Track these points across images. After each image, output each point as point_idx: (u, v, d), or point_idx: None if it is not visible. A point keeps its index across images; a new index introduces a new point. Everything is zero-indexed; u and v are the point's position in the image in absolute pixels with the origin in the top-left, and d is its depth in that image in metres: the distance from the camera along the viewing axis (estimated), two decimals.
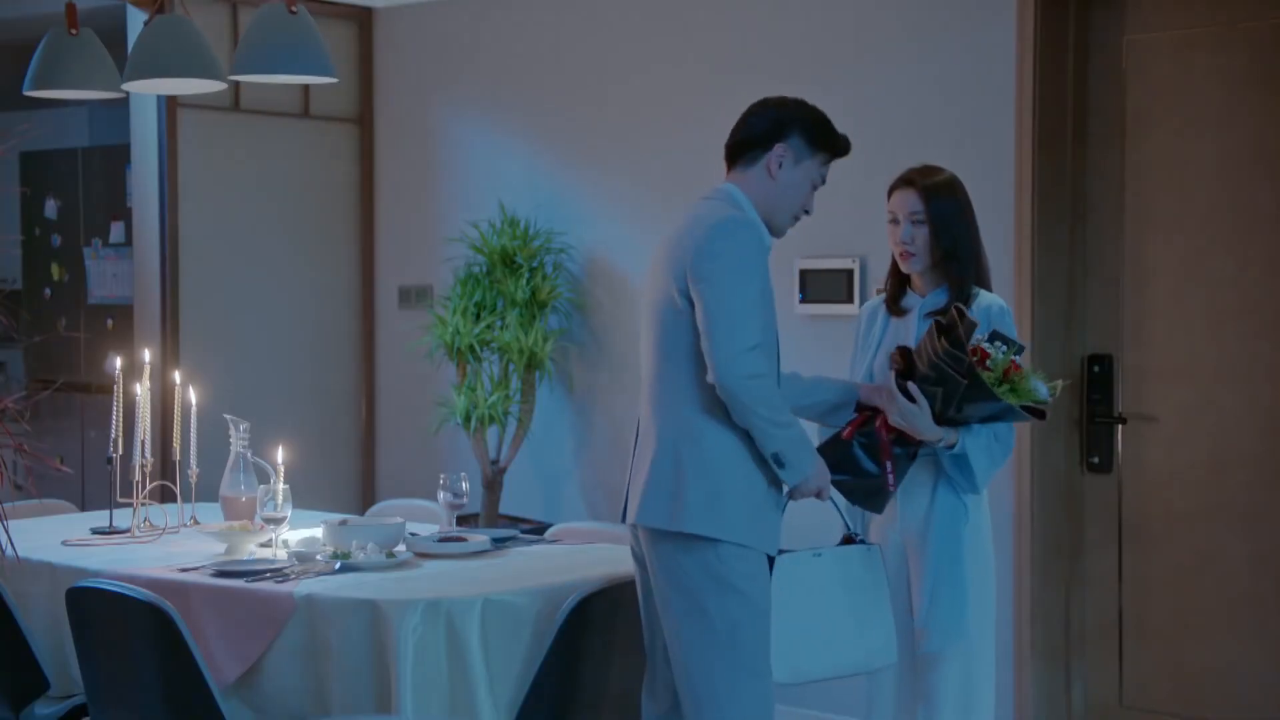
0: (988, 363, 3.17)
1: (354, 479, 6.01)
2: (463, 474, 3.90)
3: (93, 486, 5.87)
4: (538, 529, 4.37)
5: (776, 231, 3.25)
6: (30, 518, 4.19)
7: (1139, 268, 4.42)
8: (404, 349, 5.76)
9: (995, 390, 3.16)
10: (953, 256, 3.37)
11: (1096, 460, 4.47)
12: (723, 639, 3.07)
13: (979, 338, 3.20)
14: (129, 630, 3.25)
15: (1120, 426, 4.44)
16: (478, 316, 5.28)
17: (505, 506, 5.37)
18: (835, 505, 3.27)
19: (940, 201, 3.39)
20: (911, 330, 3.43)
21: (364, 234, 6.02)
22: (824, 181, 3.26)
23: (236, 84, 5.33)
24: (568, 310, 5.40)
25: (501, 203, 5.43)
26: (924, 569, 3.35)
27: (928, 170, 3.46)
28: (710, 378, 3.04)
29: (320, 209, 5.94)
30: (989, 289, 3.44)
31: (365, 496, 5.93)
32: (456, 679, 3.15)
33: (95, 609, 3.32)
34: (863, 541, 3.29)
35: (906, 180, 3.44)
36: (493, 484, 5.31)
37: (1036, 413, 3.22)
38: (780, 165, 3.20)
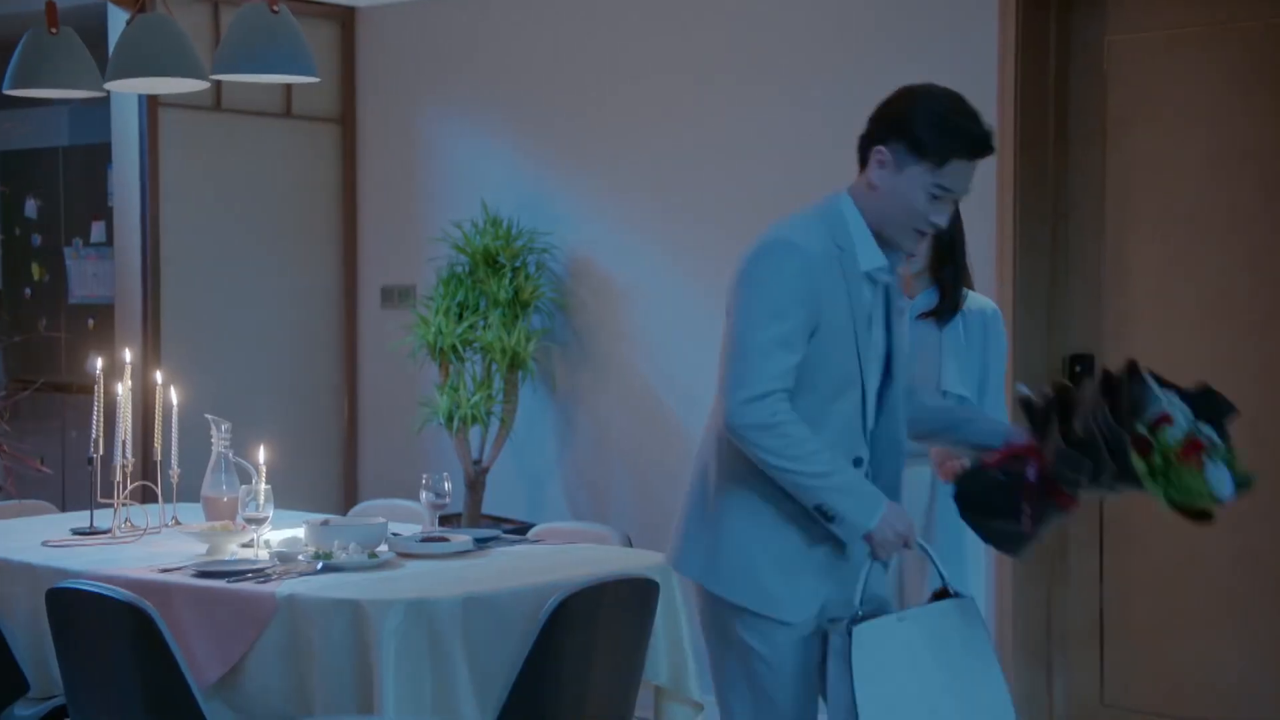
0: (1153, 446, 2.66)
1: (336, 479, 6.00)
2: (445, 474, 3.89)
3: (73, 487, 5.84)
4: (520, 529, 4.37)
5: (898, 247, 2.77)
6: (10, 518, 4.18)
7: (1121, 267, 4.44)
8: (386, 349, 5.75)
9: (1147, 483, 2.68)
10: (948, 258, 3.36)
11: None
12: (737, 690, 2.81)
13: (1156, 414, 2.68)
14: (109, 631, 3.24)
15: None
16: (460, 316, 5.27)
17: (488, 506, 5.37)
18: (927, 554, 2.87)
19: None
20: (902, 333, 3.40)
21: (346, 234, 6.01)
22: (953, 191, 2.72)
23: (218, 83, 5.30)
24: (550, 310, 5.39)
25: (484, 202, 5.42)
26: (928, 568, 3.34)
27: None
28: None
29: (302, 209, 5.92)
30: (972, 288, 3.44)
31: (347, 497, 5.92)
32: (439, 679, 3.14)
33: (76, 610, 3.30)
34: (957, 593, 2.84)
35: None
36: (475, 484, 5.30)
37: (1197, 514, 2.72)
38: (880, 171, 2.73)
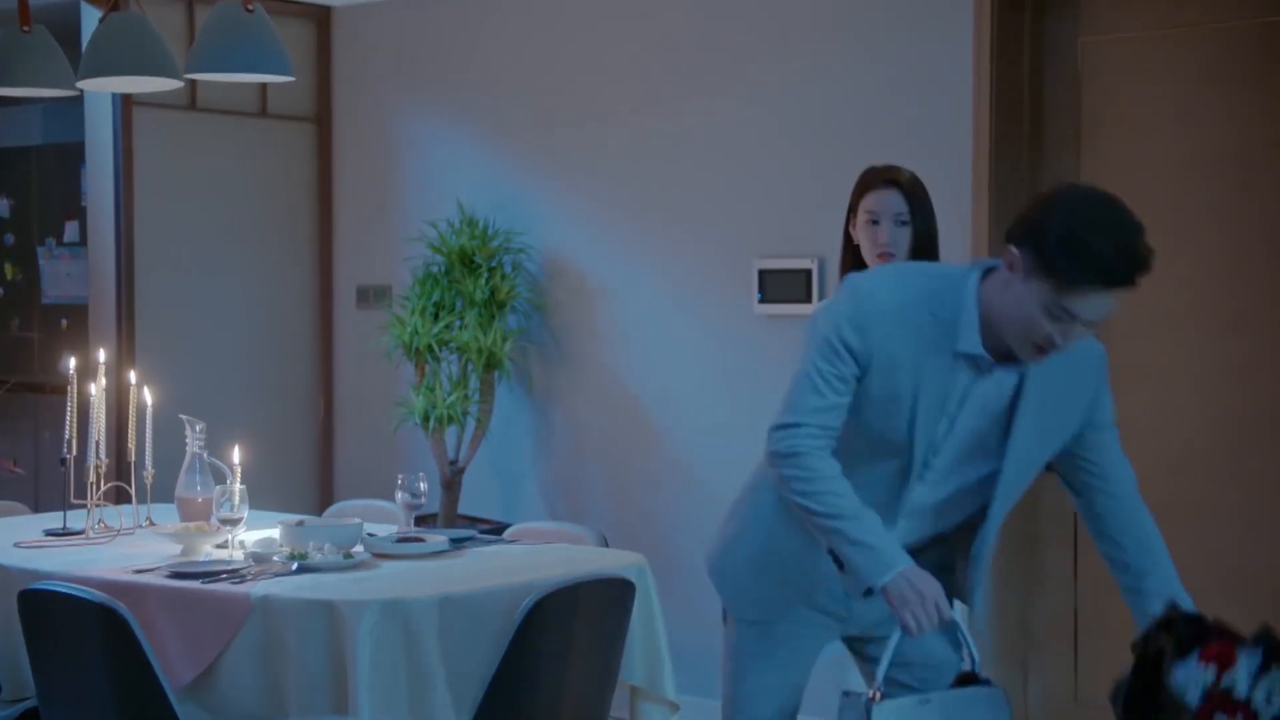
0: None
1: (311, 479, 5.98)
2: (421, 474, 3.88)
3: (46, 488, 5.81)
4: (496, 529, 4.37)
5: (1015, 351, 2.50)
6: None
7: None
8: (362, 349, 5.73)
9: None
10: (924, 257, 3.34)
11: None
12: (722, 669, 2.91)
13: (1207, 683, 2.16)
14: (82, 633, 3.23)
15: None
16: (436, 316, 5.26)
17: (464, 507, 5.36)
18: (960, 633, 2.70)
19: (922, 201, 3.35)
20: None
21: (322, 233, 5.99)
22: (1079, 318, 2.42)
23: (193, 82, 5.29)
24: (527, 310, 5.39)
25: (460, 202, 5.42)
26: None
27: (900, 169, 3.41)
28: None
29: (278, 208, 5.90)
30: None
31: (323, 497, 5.90)
32: (414, 679, 3.14)
33: (48, 611, 3.29)
34: (986, 681, 2.67)
35: (888, 180, 3.36)
36: (451, 484, 5.29)
37: None
38: (1008, 273, 2.46)
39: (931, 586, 2.49)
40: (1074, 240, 2.36)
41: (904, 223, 3.32)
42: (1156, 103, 4.34)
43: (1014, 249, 2.44)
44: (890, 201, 3.32)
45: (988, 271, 2.53)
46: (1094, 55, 4.44)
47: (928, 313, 2.52)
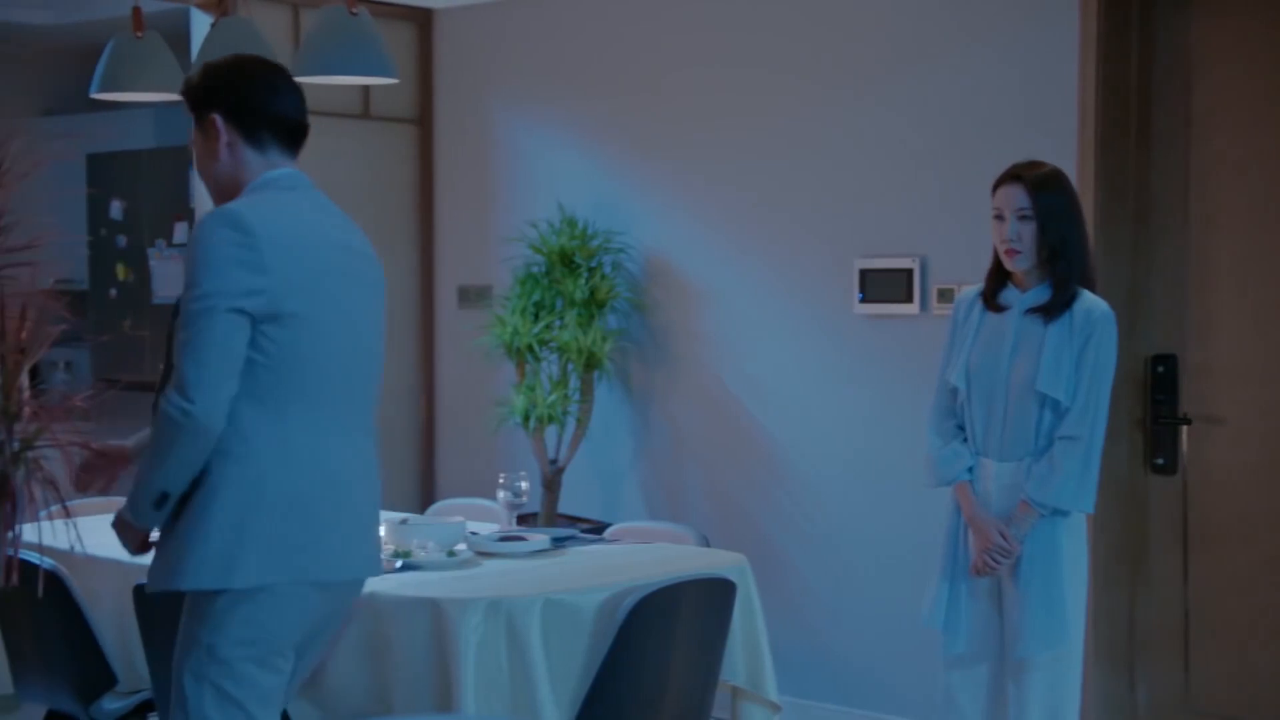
0: None
1: (414, 478, 6.04)
2: (522, 473, 3.92)
3: None
4: (596, 528, 4.38)
5: None
6: (98, 515, 4.23)
7: (1203, 266, 4.37)
8: (463, 348, 5.78)
9: None
10: (1059, 254, 3.31)
11: (1161, 462, 4.42)
12: None
13: None
14: None
15: (1185, 427, 4.39)
16: (536, 316, 5.29)
17: (564, 506, 5.38)
18: None
19: (1048, 196, 3.32)
20: (1009, 327, 3.35)
21: (423, 234, 6.05)
22: None
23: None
24: (626, 310, 5.40)
25: (560, 203, 5.44)
26: (1019, 570, 3.30)
27: (1034, 164, 3.39)
28: None
29: (380, 209, 5.97)
30: (1094, 289, 3.37)
31: (425, 495, 5.96)
32: (517, 678, 3.16)
33: (161, 605, 3.34)
34: None
35: (1013, 175, 3.35)
36: (551, 483, 5.32)
37: None
38: None
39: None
40: None
41: (1026, 217, 3.30)
42: (1268, 97, 4.24)
43: None
44: (1013, 196, 3.32)
45: None
46: (1205, 48, 4.35)
47: None
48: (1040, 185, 3.32)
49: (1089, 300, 3.32)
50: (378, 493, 2.84)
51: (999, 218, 3.33)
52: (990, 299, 3.39)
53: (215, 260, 2.58)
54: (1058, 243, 3.30)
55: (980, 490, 3.38)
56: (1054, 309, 3.31)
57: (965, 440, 3.41)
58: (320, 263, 2.70)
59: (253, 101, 2.76)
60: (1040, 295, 3.33)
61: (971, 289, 3.47)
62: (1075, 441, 3.27)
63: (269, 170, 2.75)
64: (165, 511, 2.67)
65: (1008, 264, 3.34)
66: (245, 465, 2.61)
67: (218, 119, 2.75)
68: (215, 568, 2.59)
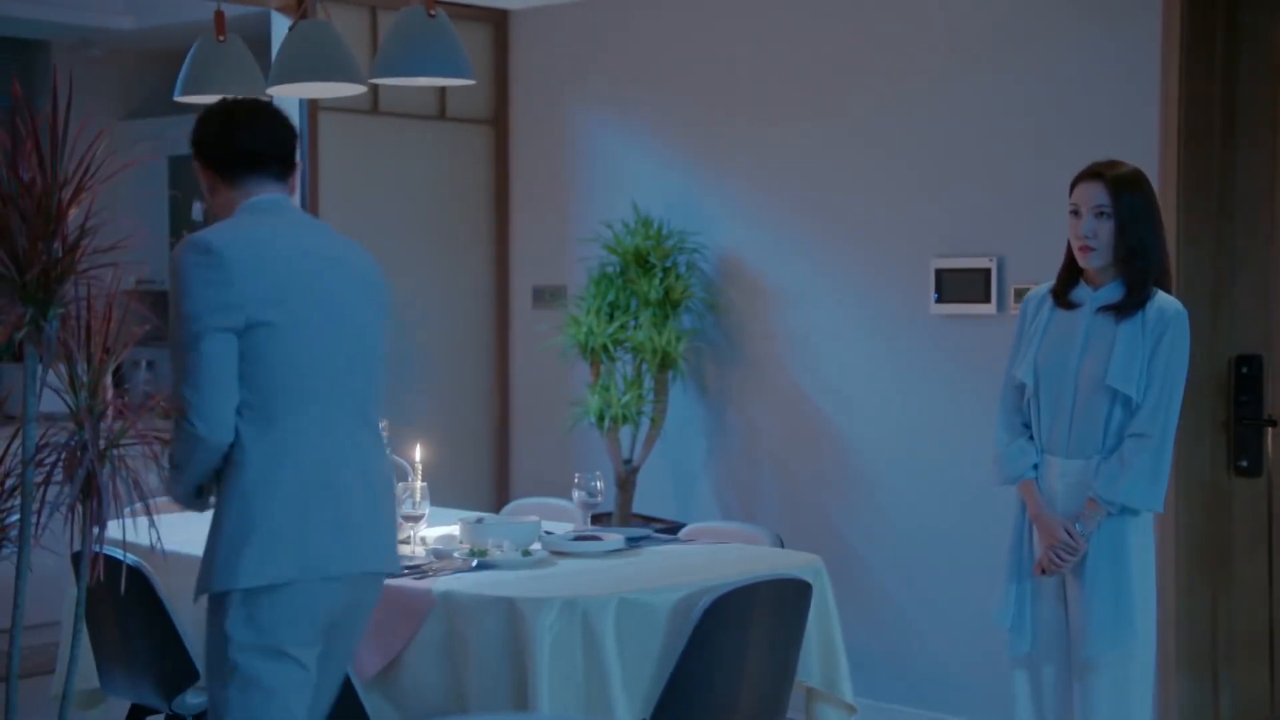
0: None
1: (489, 477, 6.07)
2: (597, 473, 3.92)
3: None
4: (671, 529, 4.37)
5: None
6: (180, 513, 4.29)
7: None
8: (538, 348, 5.80)
9: None
10: (1136, 254, 3.28)
11: (1245, 464, 4.35)
12: None
13: None
14: None
15: (1270, 429, 4.32)
16: (611, 316, 5.30)
17: (638, 506, 5.39)
18: None
19: (1128, 196, 3.29)
20: (1079, 324, 3.32)
21: (498, 234, 6.08)
22: None
23: (375, 86, 5.40)
24: (701, 310, 5.39)
25: (635, 203, 5.44)
26: (1085, 568, 3.27)
27: (1114, 163, 3.36)
28: None
29: (455, 209, 6.01)
30: (1169, 290, 3.33)
31: (500, 495, 5.99)
32: (592, 677, 3.16)
33: None
34: None
35: (1093, 173, 3.33)
36: (626, 483, 5.32)
37: None
38: None
39: None
40: None
41: (1104, 214, 3.27)
42: None
43: None
44: (1092, 193, 3.29)
45: None
46: None
47: None
48: (1120, 184, 3.28)
49: (1162, 299, 3.28)
50: (383, 483, 2.94)
51: (1075, 214, 3.31)
52: (1061, 295, 3.36)
53: (188, 284, 2.74)
54: (1136, 243, 3.27)
55: (1045, 488, 3.35)
56: (1127, 308, 3.28)
57: (1031, 437, 3.38)
58: (293, 274, 2.81)
59: (218, 145, 2.90)
60: (1113, 293, 3.29)
61: (1041, 288, 3.45)
62: (1146, 439, 3.23)
63: (247, 199, 2.90)
64: (207, 496, 2.87)
65: (1081, 261, 3.31)
66: (245, 472, 2.76)
67: (197, 165, 2.95)
68: (222, 571, 2.76)
